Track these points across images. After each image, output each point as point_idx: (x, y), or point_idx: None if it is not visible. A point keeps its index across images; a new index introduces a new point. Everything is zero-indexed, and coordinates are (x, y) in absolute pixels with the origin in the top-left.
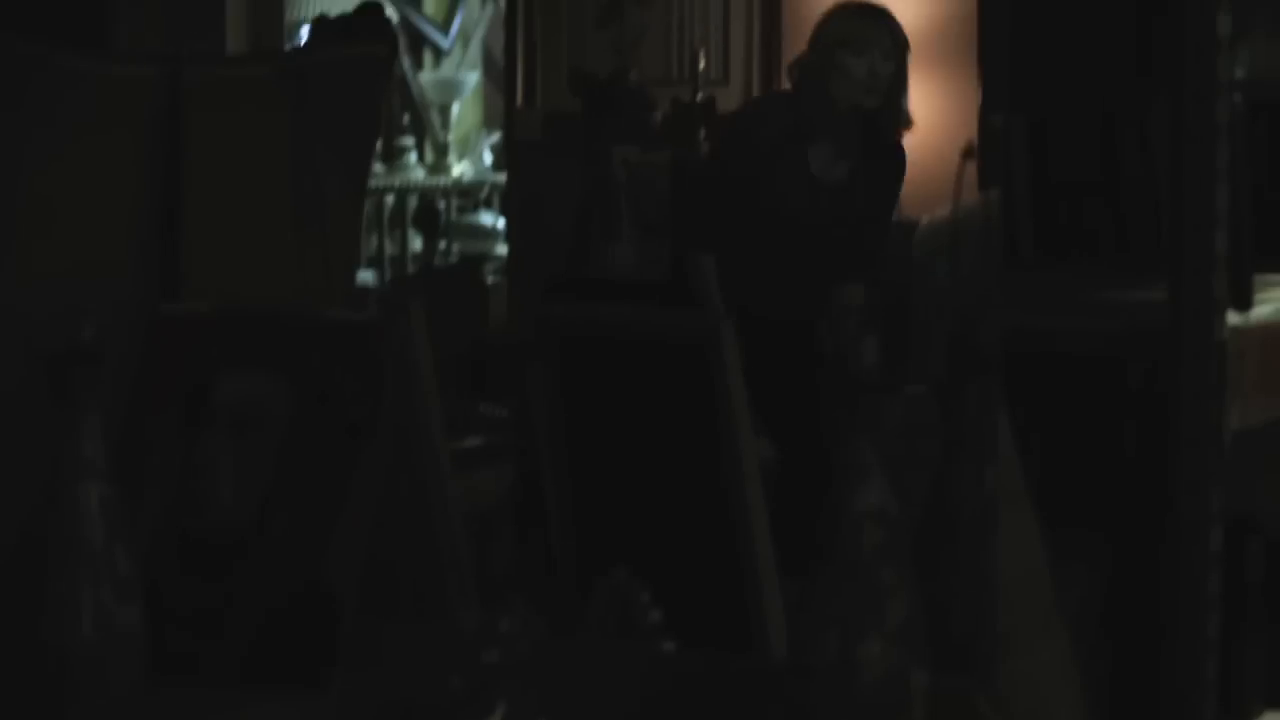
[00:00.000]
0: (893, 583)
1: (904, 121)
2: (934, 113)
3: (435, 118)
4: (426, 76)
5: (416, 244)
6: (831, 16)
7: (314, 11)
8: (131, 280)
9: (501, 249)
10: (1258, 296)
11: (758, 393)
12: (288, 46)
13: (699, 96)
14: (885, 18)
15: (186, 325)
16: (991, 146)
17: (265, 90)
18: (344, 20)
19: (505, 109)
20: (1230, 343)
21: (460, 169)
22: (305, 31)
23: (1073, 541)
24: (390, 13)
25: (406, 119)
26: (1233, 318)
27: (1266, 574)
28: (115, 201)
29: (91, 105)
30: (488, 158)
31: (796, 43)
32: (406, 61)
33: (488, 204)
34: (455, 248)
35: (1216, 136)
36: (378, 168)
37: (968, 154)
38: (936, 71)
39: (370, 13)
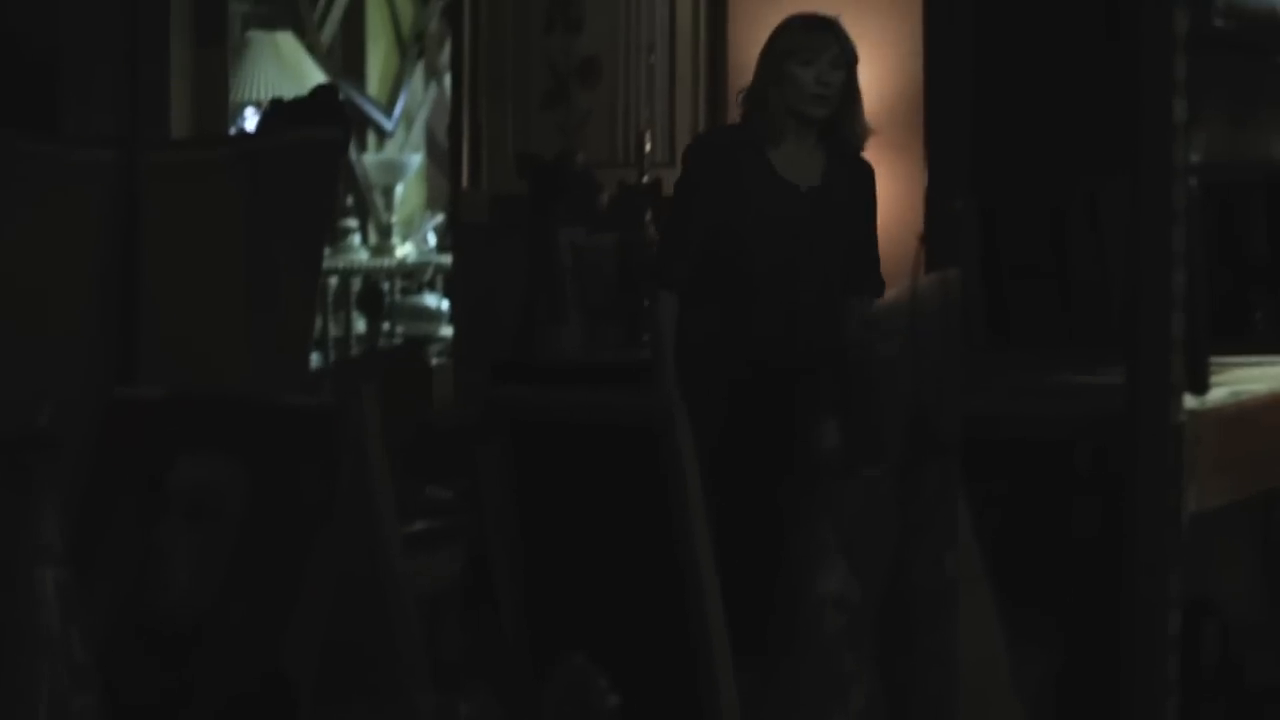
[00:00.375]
0: (854, 669)
1: (862, 130)
2: (880, 194)
3: (379, 199)
4: (370, 158)
5: (360, 325)
6: (780, 30)
7: (256, 94)
8: (88, 361)
9: (445, 330)
10: (1213, 379)
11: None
12: (231, 128)
13: (645, 179)
14: (832, 28)
15: (143, 409)
16: (942, 229)
17: (219, 173)
18: (298, 103)
19: (450, 191)
20: (1187, 426)
21: (404, 250)
22: (249, 113)
23: (1027, 623)
24: None
25: (350, 200)
26: (1189, 401)
27: (1222, 657)
28: (72, 282)
29: (49, 188)
30: (432, 239)
31: None
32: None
33: (431, 286)
34: (399, 329)
35: (1173, 220)
36: None
37: (924, 238)
38: (882, 154)
39: (324, 95)
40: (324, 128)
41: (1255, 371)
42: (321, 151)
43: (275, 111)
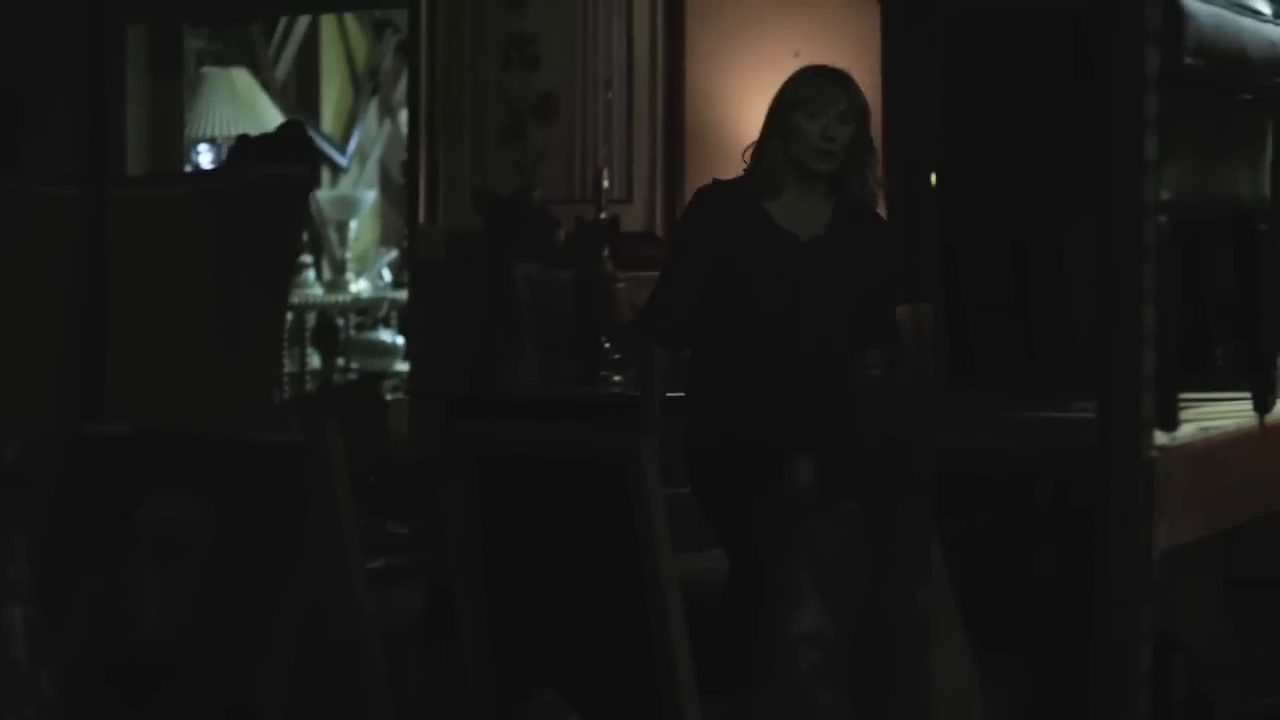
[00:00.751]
0: (828, 704)
1: (874, 185)
2: None
3: (333, 235)
4: (324, 194)
5: (315, 361)
6: (790, 81)
7: (211, 130)
8: (55, 398)
9: (400, 366)
10: (1181, 416)
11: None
12: (186, 164)
13: (602, 215)
14: (844, 82)
15: (110, 445)
16: (906, 263)
17: (187, 209)
18: (266, 139)
19: (408, 226)
20: (1158, 462)
21: (358, 286)
22: (203, 149)
23: (997, 661)
24: None
25: (305, 236)
26: (1159, 437)
27: (1190, 691)
28: (37, 318)
29: (13, 223)
30: (387, 275)
31: (699, 162)
32: None
33: (386, 321)
34: (353, 365)
35: (1144, 257)
36: None
37: None
38: None
39: (292, 132)
40: (291, 164)
41: (1222, 407)
42: (289, 188)
43: (243, 148)
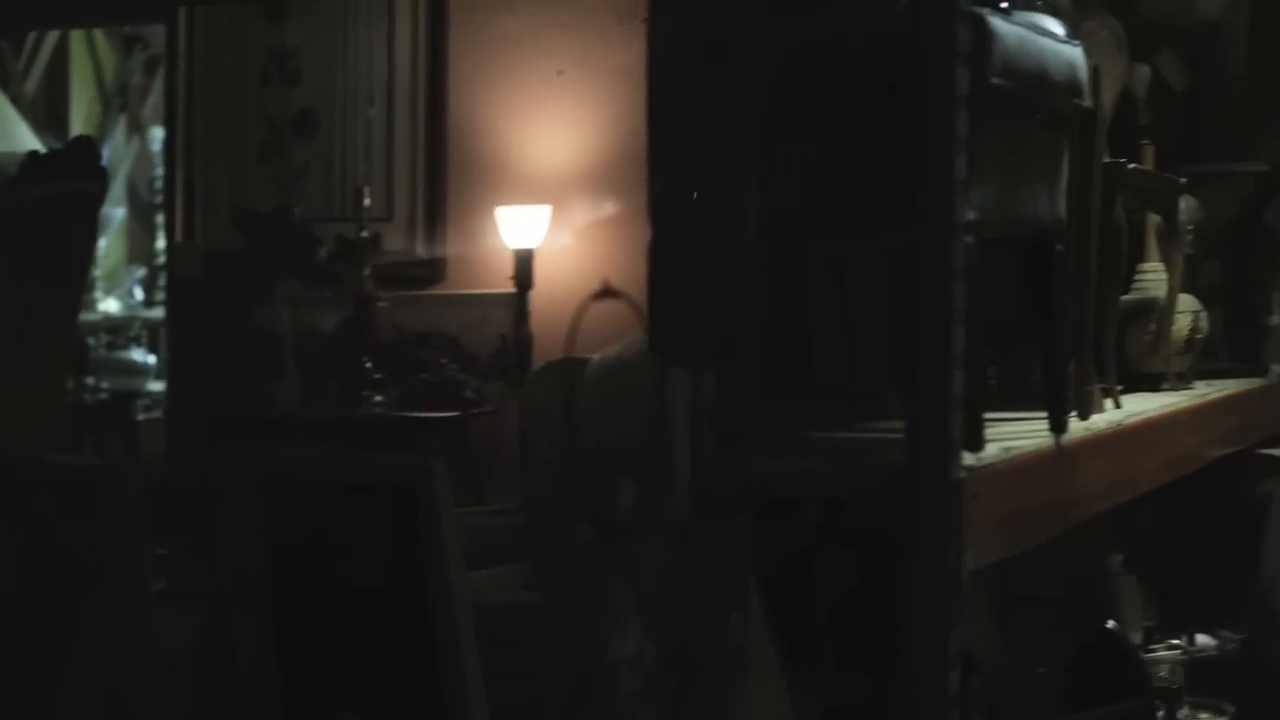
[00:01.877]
0: None
1: None
2: (601, 249)
3: None
4: None
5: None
6: None
7: None
8: None
9: (153, 385)
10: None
11: None
12: None
13: (363, 233)
14: None
15: None
16: (664, 286)
17: None
18: (56, 155)
19: (167, 244)
20: (965, 483)
21: (108, 305)
22: None
23: (806, 684)
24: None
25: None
26: (965, 458)
27: (987, 713)
28: None
29: None
30: (139, 293)
31: (461, 182)
32: None
33: (138, 340)
34: (104, 384)
35: (954, 277)
36: None
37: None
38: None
39: (83, 147)
40: (83, 181)
41: (1021, 427)
42: (81, 204)
43: (33, 164)
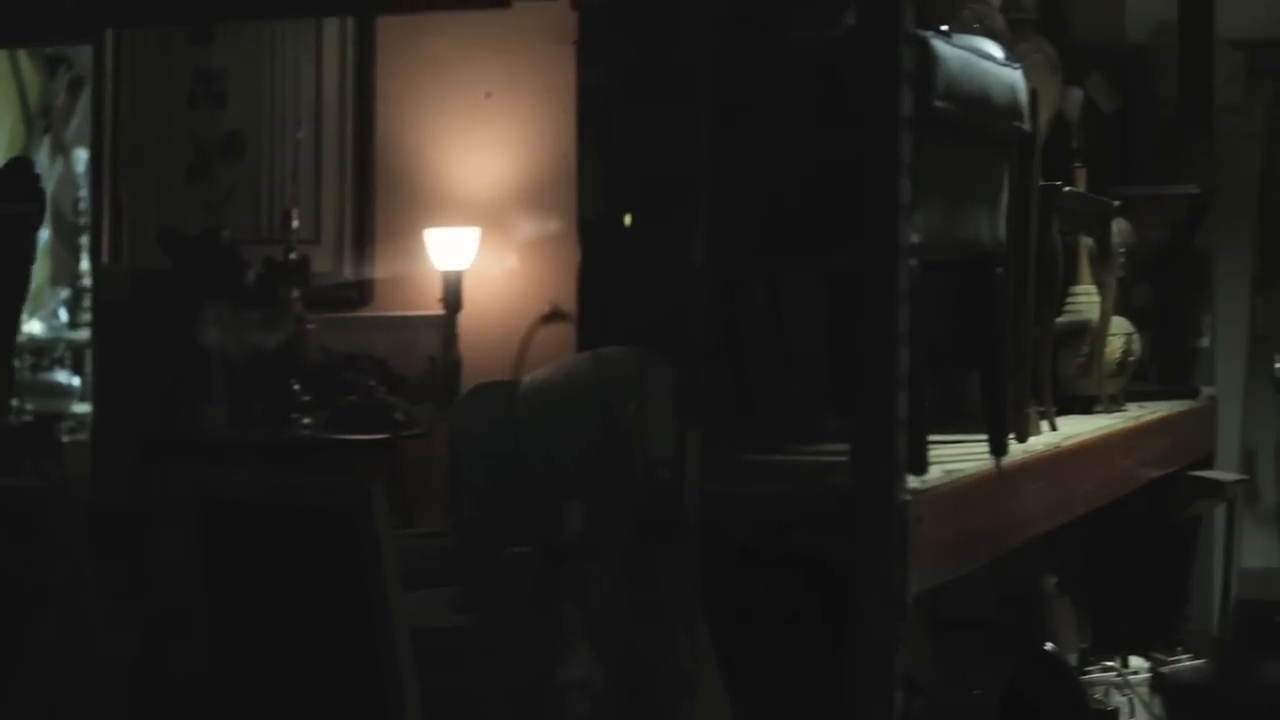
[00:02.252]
0: None
1: None
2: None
3: None
4: None
5: None
6: None
7: None
8: None
9: (78, 408)
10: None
11: None
12: None
13: (292, 255)
14: None
15: None
16: (594, 308)
17: None
18: None
19: (93, 266)
20: (910, 506)
21: (31, 326)
22: None
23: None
24: None
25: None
26: (909, 481)
27: None
28: None
29: None
30: (64, 315)
31: (390, 204)
32: None
33: (62, 362)
34: (28, 406)
35: (899, 300)
36: None
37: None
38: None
39: (20, 169)
40: (20, 203)
41: (960, 450)
42: (19, 226)
43: None
